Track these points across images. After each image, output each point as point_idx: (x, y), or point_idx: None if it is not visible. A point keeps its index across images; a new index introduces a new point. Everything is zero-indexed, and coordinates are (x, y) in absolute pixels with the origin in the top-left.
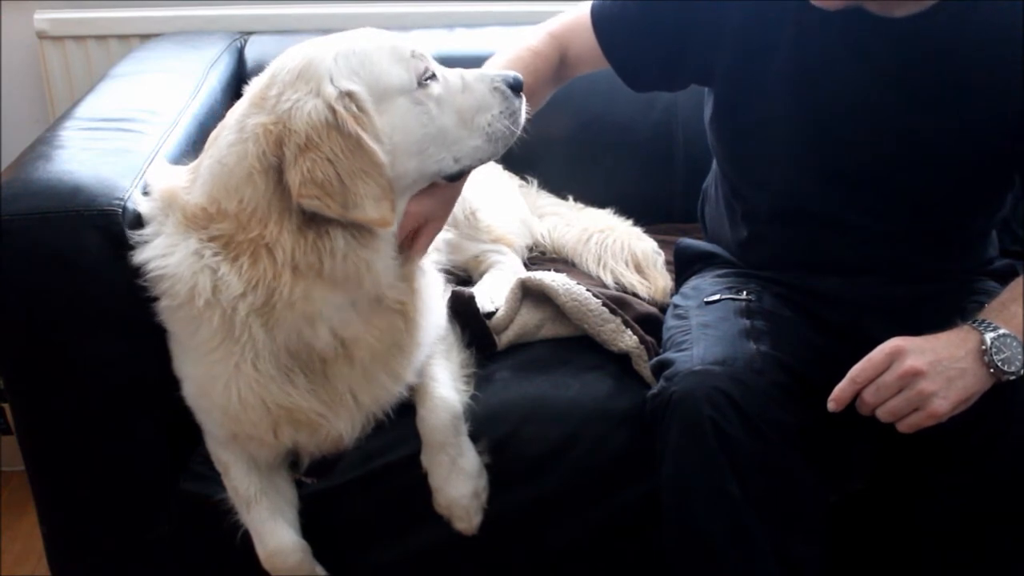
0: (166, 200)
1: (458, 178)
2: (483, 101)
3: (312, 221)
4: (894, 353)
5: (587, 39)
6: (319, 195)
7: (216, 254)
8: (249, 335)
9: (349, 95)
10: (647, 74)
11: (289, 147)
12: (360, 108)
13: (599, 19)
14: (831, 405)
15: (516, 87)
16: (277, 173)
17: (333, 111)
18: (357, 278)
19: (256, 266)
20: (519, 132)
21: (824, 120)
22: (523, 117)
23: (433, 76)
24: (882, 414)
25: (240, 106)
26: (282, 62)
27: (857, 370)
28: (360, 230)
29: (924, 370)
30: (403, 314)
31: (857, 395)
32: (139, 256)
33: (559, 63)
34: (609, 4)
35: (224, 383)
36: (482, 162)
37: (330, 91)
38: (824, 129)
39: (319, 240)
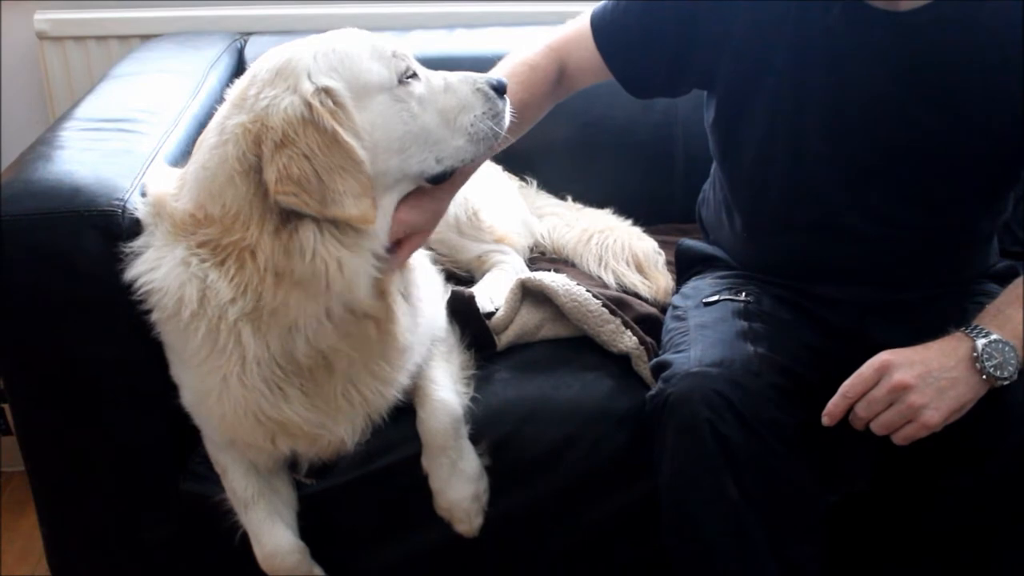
0: (156, 208)
1: (442, 180)
2: (466, 101)
3: (287, 222)
4: (882, 368)
5: (588, 50)
6: (296, 192)
7: (204, 261)
8: (237, 344)
9: (326, 91)
10: (650, 81)
11: (266, 144)
12: (337, 104)
13: (599, 29)
14: (825, 420)
15: (500, 89)
16: (257, 174)
17: (309, 106)
18: (326, 278)
19: (243, 271)
20: (502, 133)
21: (828, 118)
22: (507, 119)
23: (415, 76)
24: (875, 427)
25: (222, 109)
26: (261, 63)
27: (848, 385)
28: (338, 227)
29: (912, 383)
30: (376, 322)
31: (850, 409)
32: (130, 272)
33: (558, 76)
34: (609, 13)
35: (216, 395)
36: (464, 163)
37: (307, 87)
38: (828, 127)
39: (290, 240)
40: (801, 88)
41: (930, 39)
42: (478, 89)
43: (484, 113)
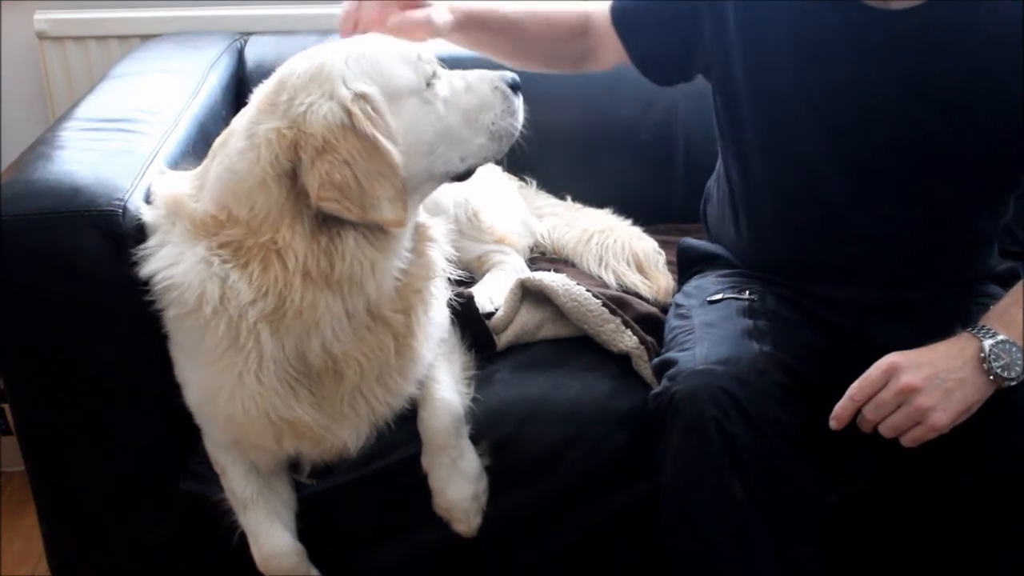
0: (171, 208)
1: (464, 178)
2: (485, 100)
3: (325, 224)
4: (890, 370)
5: (607, 27)
6: (338, 198)
7: (225, 261)
8: (255, 343)
9: (363, 97)
10: (665, 66)
11: (306, 150)
12: (375, 110)
13: (618, 14)
14: (833, 423)
15: (515, 87)
16: (290, 178)
17: (349, 113)
18: (360, 279)
19: (267, 273)
20: (520, 129)
21: (827, 118)
22: (521, 115)
23: (438, 77)
24: (884, 430)
25: (248, 112)
26: (291, 67)
27: (855, 388)
28: (371, 231)
29: (920, 386)
30: (395, 334)
31: (858, 412)
32: (146, 268)
33: (582, 27)
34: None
35: (228, 393)
36: (487, 160)
37: (345, 93)
38: (828, 127)
39: (331, 244)
40: (801, 87)
41: (925, 39)
42: (496, 88)
43: (504, 111)
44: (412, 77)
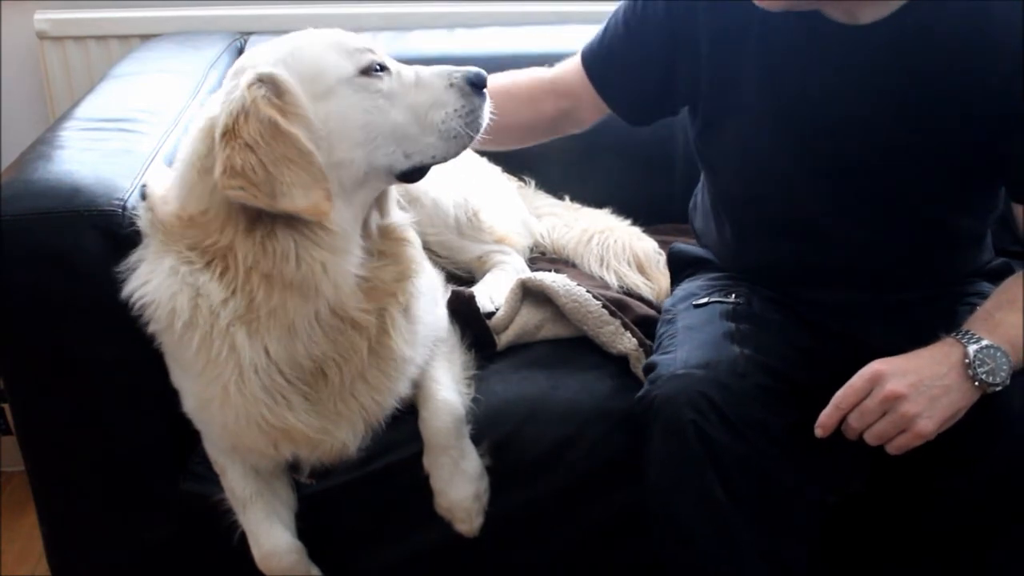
0: (151, 214)
1: (414, 178)
2: (437, 98)
3: (258, 221)
4: (874, 378)
5: (583, 85)
6: (243, 184)
7: (192, 263)
8: (231, 351)
9: (268, 79)
10: (644, 104)
11: (216, 138)
12: (280, 92)
13: (590, 63)
14: (818, 431)
15: (478, 84)
16: None
17: (250, 97)
18: (315, 281)
19: (228, 272)
20: (476, 134)
21: (800, 130)
22: (484, 117)
23: (384, 69)
24: (869, 438)
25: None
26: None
27: (840, 396)
28: (310, 228)
29: (905, 393)
30: (367, 335)
31: (843, 420)
32: (126, 289)
33: (549, 88)
34: (596, 46)
35: (219, 403)
36: (436, 161)
37: (247, 77)
38: (801, 139)
39: (267, 241)
40: (775, 100)
41: (893, 52)
42: (451, 85)
43: (456, 111)
44: (342, 64)
